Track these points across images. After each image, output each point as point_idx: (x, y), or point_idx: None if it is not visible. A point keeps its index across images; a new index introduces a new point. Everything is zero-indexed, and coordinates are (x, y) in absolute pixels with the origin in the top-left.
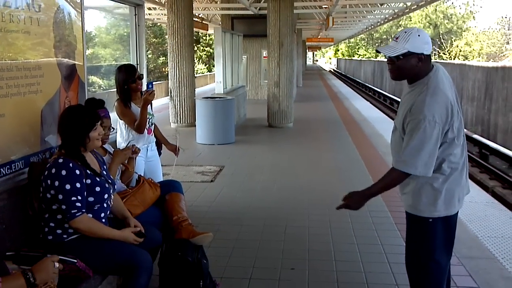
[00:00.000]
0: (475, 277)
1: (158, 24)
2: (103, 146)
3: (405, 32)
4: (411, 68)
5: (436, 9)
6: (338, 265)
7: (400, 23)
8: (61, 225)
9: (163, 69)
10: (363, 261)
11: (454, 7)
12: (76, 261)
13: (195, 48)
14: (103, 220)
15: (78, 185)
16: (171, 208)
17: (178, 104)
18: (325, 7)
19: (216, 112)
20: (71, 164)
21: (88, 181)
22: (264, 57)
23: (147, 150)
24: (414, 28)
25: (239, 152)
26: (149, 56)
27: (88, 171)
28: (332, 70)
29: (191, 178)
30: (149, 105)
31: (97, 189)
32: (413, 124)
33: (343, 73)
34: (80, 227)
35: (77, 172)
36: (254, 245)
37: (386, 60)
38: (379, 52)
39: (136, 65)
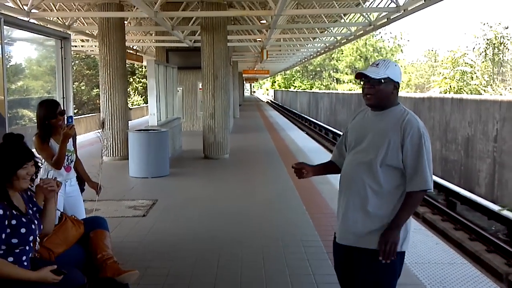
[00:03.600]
0: None
1: (92, 56)
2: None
3: (384, 61)
4: (388, 94)
5: (366, 43)
6: None
7: (332, 55)
8: None
9: (97, 101)
10: None
11: (383, 41)
12: None
13: (131, 80)
14: (25, 263)
15: None
16: (95, 246)
17: (111, 137)
18: (259, 40)
19: (149, 145)
20: None
21: (14, 221)
22: (199, 89)
23: (65, 185)
24: (389, 60)
25: (173, 185)
26: (83, 88)
27: (14, 211)
28: (270, 101)
29: (123, 213)
30: (71, 141)
31: (22, 230)
32: (415, 143)
33: (280, 104)
34: None
35: (0, 212)
36: (185, 280)
37: (363, 85)
38: (362, 75)
39: (62, 98)
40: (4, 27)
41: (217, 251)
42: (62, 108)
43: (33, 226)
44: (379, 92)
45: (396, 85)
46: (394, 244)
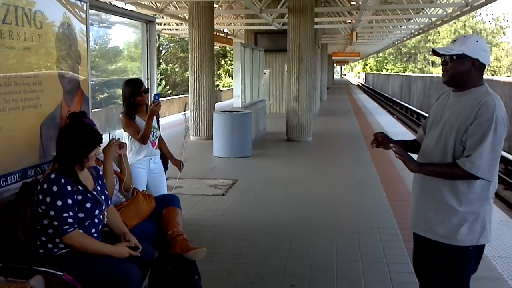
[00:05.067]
0: None
1: (186, 39)
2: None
3: (465, 36)
4: (463, 72)
5: (465, 25)
6: (339, 283)
7: (428, 38)
8: (52, 240)
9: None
10: (366, 279)
11: (484, 22)
12: (62, 274)
13: (223, 62)
14: (95, 235)
15: (69, 201)
16: (167, 222)
17: (198, 117)
18: (349, 22)
19: (233, 126)
20: (62, 180)
21: (79, 197)
22: (286, 71)
23: (150, 162)
24: (474, 35)
25: (254, 166)
26: (177, 69)
27: (79, 187)
28: (360, 85)
29: (203, 191)
30: (155, 119)
31: (88, 205)
32: (483, 126)
33: (371, 87)
34: (72, 243)
35: (69, 188)
36: (256, 261)
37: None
38: (436, 52)
39: (147, 79)
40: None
41: (290, 236)
42: (146, 87)
43: (97, 202)
44: (452, 69)
45: (475, 62)
46: (405, 161)
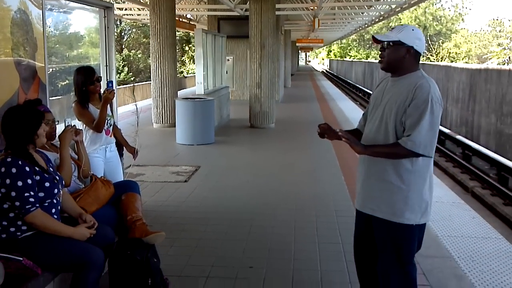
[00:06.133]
0: (428, 276)
1: (148, 24)
2: (53, 143)
3: (401, 25)
4: (398, 58)
5: (425, 11)
6: (296, 263)
7: (390, 24)
8: (14, 223)
9: None
10: (321, 259)
11: (444, 9)
12: (22, 259)
13: (187, 48)
14: (55, 216)
15: (29, 181)
16: (126, 208)
17: (160, 104)
18: (312, 9)
19: (195, 113)
20: (20, 162)
21: (37, 177)
22: (227, 60)
23: (106, 151)
24: (410, 25)
25: (217, 153)
26: (139, 56)
27: (36, 168)
28: (325, 71)
29: (166, 178)
30: (109, 106)
31: (46, 184)
32: (420, 106)
33: (335, 74)
34: (35, 222)
35: (27, 169)
36: (216, 244)
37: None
38: (375, 39)
39: (105, 66)
40: None
41: (250, 220)
42: (99, 75)
43: (55, 181)
44: (388, 55)
45: (409, 50)
46: (351, 144)
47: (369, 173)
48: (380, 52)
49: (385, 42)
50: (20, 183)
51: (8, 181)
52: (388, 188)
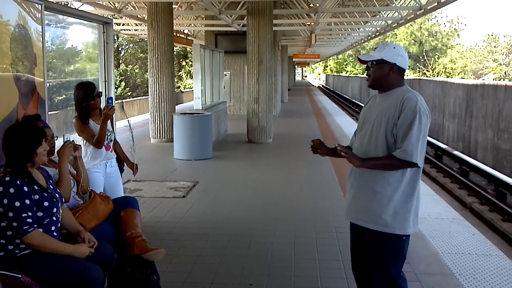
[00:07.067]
0: None
1: (145, 39)
2: (52, 159)
3: (383, 44)
4: (383, 76)
5: (421, 27)
6: (296, 280)
7: (386, 40)
8: (12, 241)
9: None
10: (322, 276)
11: (439, 25)
12: (20, 276)
13: (184, 63)
14: (55, 234)
15: (27, 201)
16: (125, 224)
17: (158, 119)
18: (308, 24)
19: (193, 128)
20: (18, 182)
21: (36, 196)
22: (224, 75)
23: (106, 166)
24: (392, 43)
25: (215, 168)
26: (136, 71)
27: (35, 187)
28: (321, 86)
29: (164, 193)
30: (109, 121)
31: (45, 204)
32: (408, 117)
33: (331, 89)
34: (32, 243)
35: (25, 189)
36: (216, 261)
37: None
38: (360, 59)
39: (104, 81)
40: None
41: (249, 236)
42: (100, 90)
43: (54, 199)
44: (373, 73)
45: (393, 67)
46: (349, 157)
47: (359, 185)
48: (366, 71)
49: (369, 62)
50: (17, 204)
51: (5, 201)
52: (378, 198)
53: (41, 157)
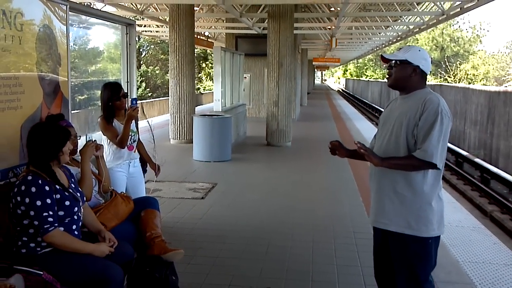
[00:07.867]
0: None
1: (166, 41)
2: (74, 158)
3: (409, 46)
4: (405, 77)
5: (442, 32)
6: (314, 285)
7: (407, 44)
8: (33, 239)
9: None
10: (340, 282)
11: (461, 31)
12: (42, 273)
13: (204, 65)
14: (76, 232)
15: (48, 200)
16: (145, 224)
17: (178, 120)
18: (329, 28)
19: (213, 130)
20: (40, 181)
21: (58, 196)
22: (244, 77)
23: (129, 166)
24: (417, 46)
25: (233, 170)
26: (157, 72)
27: (57, 186)
28: (340, 90)
29: (182, 194)
30: (133, 122)
31: (67, 203)
32: (430, 118)
33: (351, 93)
34: (54, 242)
35: (47, 188)
36: (234, 263)
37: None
38: (383, 57)
39: (126, 82)
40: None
41: (267, 239)
42: (125, 91)
43: (75, 199)
44: (395, 73)
45: (416, 69)
46: (369, 155)
47: (380, 187)
48: (388, 70)
49: (393, 61)
50: (39, 203)
51: (27, 200)
52: (400, 200)
53: (65, 155)
